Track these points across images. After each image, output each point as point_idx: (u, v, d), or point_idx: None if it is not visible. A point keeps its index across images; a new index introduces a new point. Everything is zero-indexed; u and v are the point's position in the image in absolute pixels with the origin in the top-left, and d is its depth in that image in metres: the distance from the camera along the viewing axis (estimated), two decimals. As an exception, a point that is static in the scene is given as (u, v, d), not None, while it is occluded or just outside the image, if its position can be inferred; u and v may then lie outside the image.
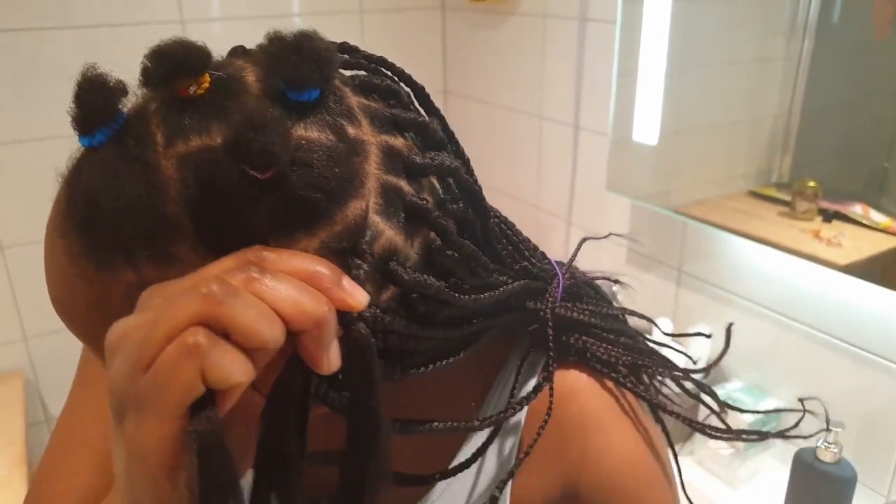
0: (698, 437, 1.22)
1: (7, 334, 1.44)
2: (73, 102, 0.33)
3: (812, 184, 1.09)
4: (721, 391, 1.18)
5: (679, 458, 0.59)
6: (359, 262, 0.33)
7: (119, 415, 0.30)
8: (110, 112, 0.33)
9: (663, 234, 1.34)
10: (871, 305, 1.02)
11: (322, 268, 0.32)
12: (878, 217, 1.02)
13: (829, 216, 1.06)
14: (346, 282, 0.32)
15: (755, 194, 1.19)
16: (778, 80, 1.13)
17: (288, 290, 0.30)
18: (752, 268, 1.19)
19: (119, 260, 0.32)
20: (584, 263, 0.56)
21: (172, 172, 0.32)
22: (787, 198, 1.12)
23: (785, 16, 1.10)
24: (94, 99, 0.33)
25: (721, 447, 1.14)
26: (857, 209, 1.04)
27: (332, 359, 0.32)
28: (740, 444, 1.12)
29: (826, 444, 0.95)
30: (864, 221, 1.02)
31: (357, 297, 0.32)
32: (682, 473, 0.53)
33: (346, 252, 0.33)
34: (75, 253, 0.33)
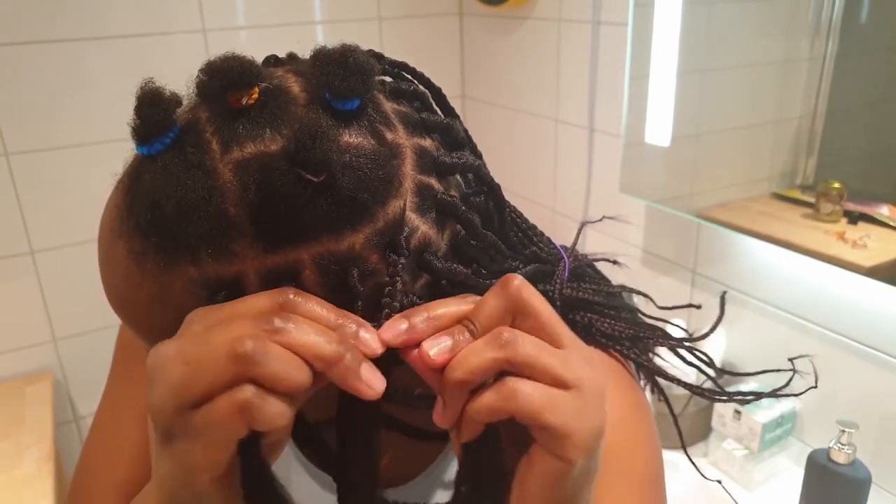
0: (713, 439, 1.22)
1: (37, 336, 1.48)
2: (133, 114, 0.36)
3: (837, 185, 1.07)
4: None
5: (693, 459, 0.60)
6: (395, 256, 0.36)
7: (166, 437, 0.33)
8: (167, 123, 0.36)
9: (678, 237, 1.34)
10: (892, 306, 1.01)
11: (341, 319, 0.34)
12: (905, 218, 1.00)
13: (854, 218, 1.05)
14: (364, 331, 0.34)
15: (779, 196, 1.18)
16: (802, 81, 1.11)
17: (308, 337, 0.32)
18: (769, 270, 1.19)
19: (182, 258, 0.35)
20: (601, 266, 0.59)
21: (230, 177, 0.34)
22: (812, 200, 1.10)
23: (809, 17, 1.08)
24: (154, 111, 0.35)
25: (735, 448, 1.15)
26: (883, 210, 1.02)
27: (371, 385, 0.33)
28: (754, 446, 1.12)
29: (840, 446, 0.95)
30: (892, 223, 1.01)
31: (372, 346, 0.34)
32: (696, 475, 0.54)
33: (387, 246, 0.36)
34: (137, 252, 0.36)
